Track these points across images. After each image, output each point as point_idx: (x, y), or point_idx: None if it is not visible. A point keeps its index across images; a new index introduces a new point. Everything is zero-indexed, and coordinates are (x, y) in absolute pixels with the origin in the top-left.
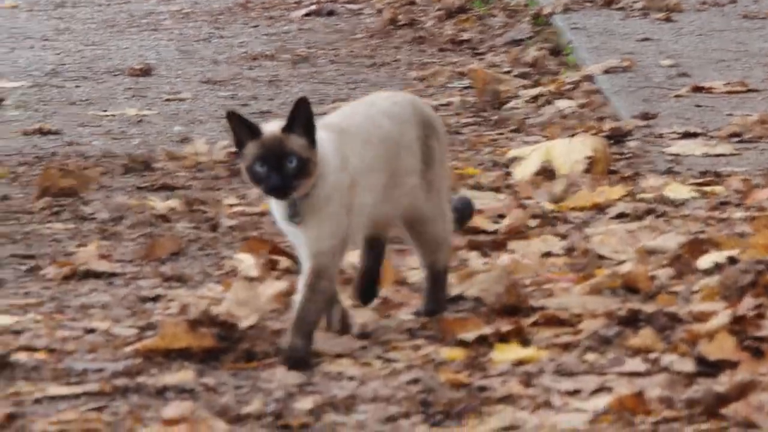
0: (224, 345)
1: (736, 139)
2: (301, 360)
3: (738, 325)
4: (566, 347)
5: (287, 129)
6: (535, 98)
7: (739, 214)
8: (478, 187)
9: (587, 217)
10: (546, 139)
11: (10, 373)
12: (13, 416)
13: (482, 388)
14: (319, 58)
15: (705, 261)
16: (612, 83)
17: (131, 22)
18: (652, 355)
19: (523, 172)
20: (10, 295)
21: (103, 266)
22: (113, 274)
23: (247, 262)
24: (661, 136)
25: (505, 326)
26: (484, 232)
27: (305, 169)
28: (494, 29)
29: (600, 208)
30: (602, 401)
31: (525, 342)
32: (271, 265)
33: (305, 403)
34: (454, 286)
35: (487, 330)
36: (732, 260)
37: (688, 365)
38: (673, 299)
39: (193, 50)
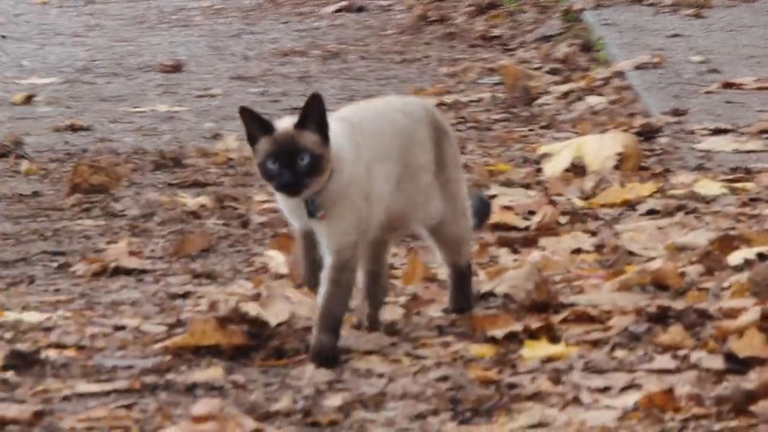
0: (254, 342)
1: (767, 135)
2: (330, 356)
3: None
4: (596, 344)
5: (300, 125)
6: (565, 94)
7: None
8: (508, 183)
9: (617, 214)
10: (576, 135)
11: (39, 371)
12: (41, 413)
13: (511, 385)
14: (350, 54)
15: (735, 257)
16: (642, 79)
17: (162, 18)
18: (682, 352)
19: (553, 168)
20: (41, 292)
21: (133, 263)
22: (143, 271)
23: (277, 259)
24: (691, 132)
25: (535, 323)
26: (515, 228)
27: (318, 165)
28: (525, 25)
29: (630, 205)
30: (631, 398)
31: (554, 339)
32: None
33: (334, 400)
34: (484, 282)
35: (516, 327)
36: (762, 257)
37: (717, 362)
38: (703, 296)
39: (224, 46)
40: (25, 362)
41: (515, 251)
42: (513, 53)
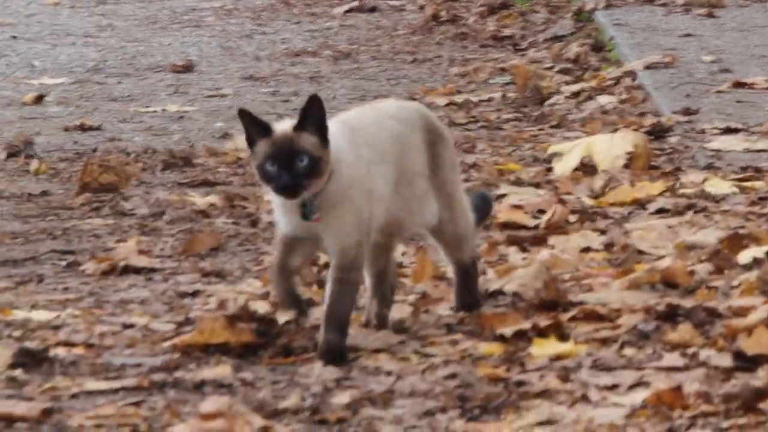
0: (262, 340)
1: None
2: (338, 355)
3: None
4: (604, 342)
5: (299, 127)
6: (576, 94)
7: None
8: (518, 182)
9: (627, 213)
10: (587, 134)
11: (48, 368)
12: (50, 411)
13: (520, 383)
14: (361, 54)
15: (744, 256)
16: (654, 79)
17: (173, 18)
18: (691, 350)
19: (563, 167)
20: (50, 291)
21: (142, 261)
22: (152, 270)
23: None
24: (702, 131)
25: (544, 321)
26: (524, 227)
27: (316, 168)
28: (536, 25)
29: (640, 204)
30: (640, 396)
31: (563, 337)
32: (311, 261)
33: (342, 398)
34: (493, 281)
35: (525, 325)
36: None
37: (726, 360)
38: (712, 294)
39: (235, 47)
40: (33, 360)
41: (524, 250)
42: (524, 53)
